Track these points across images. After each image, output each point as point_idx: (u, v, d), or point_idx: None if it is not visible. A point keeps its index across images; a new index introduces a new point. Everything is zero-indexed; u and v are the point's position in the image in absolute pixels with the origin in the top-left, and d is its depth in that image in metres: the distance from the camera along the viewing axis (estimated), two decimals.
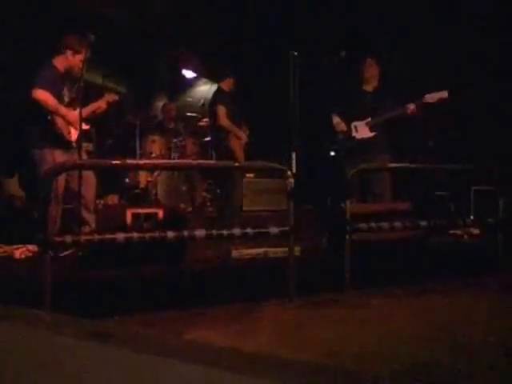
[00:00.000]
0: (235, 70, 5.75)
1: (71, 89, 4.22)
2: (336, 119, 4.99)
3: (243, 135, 5.59)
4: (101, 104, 4.35)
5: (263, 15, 6.80)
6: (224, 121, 5.42)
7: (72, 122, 4.07)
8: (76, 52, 4.10)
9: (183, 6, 6.79)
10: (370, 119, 4.87)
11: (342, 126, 4.95)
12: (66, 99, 4.15)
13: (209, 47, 7.46)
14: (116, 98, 4.45)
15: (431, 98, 4.59)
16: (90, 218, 4.13)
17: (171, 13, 6.91)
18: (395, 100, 4.80)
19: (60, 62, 4.13)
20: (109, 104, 4.39)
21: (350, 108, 4.95)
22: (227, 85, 5.64)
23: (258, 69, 7.17)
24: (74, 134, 4.12)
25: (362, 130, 4.91)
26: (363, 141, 4.87)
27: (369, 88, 5.03)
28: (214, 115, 5.55)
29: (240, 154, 5.51)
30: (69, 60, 4.13)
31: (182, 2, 6.85)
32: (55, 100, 3.97)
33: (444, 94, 4.56)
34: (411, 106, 4.65)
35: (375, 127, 4.86)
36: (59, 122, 4.02)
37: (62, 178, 3.93)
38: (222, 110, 5.42)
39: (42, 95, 3.90)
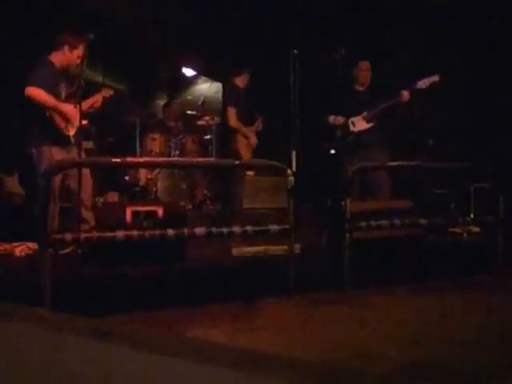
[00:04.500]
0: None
1: (68, 85, 4.21)
2: (332, 117, 5.05)
3: (252, 135, 5.56)
4: (97, 98, 4.36)
5: (263, 14, 6.78)
6: (234, 122, 5.39)
7: (69, 115, 4.06)
8: (73, 47, 4.10)
9: (183, 6, 6.77)
10: (365, 113, 4.93)
11: (340, 120, 5.00)
12: (64, 94, 4.15)
13: (209, 46, 7.44)
14: (111, 92, 4.48)
15: (423, 83, 4.68)
16: (88, 216, 4.13)
17: (171, 12, 6.89)
18: (388, 93, 4.86)
19: (57, 58, 4.13)
20: (104, 99, 4.40)
21: (345, 106, 5.00)
22: (242, 81, 5.59)
23: (257, 67, 7.15)
24: (72, 129, 4.11)
25: (358, 124, 4.98)
26: (361, 133, 4.93)
27: (361, 88, 5.13)
28: (224, 114, 5.53)
29: (246, 153, 5.47)
30: (66, 56, 4.13)
31: (181, 1, 6.83)
32: (49, 95, 3.96)
33: (435, 78, 4.64)
34: (405, 93, 4.71)
35: (372, 119, 4.92)
36: (57, 117, 4.02)
37: (58, 176, 3.92)
38: (232, 112, 5.38)
39: (35, 92, 3.88)
